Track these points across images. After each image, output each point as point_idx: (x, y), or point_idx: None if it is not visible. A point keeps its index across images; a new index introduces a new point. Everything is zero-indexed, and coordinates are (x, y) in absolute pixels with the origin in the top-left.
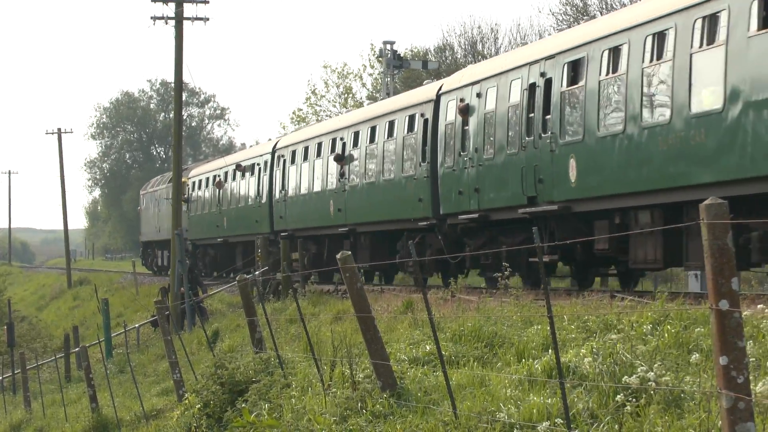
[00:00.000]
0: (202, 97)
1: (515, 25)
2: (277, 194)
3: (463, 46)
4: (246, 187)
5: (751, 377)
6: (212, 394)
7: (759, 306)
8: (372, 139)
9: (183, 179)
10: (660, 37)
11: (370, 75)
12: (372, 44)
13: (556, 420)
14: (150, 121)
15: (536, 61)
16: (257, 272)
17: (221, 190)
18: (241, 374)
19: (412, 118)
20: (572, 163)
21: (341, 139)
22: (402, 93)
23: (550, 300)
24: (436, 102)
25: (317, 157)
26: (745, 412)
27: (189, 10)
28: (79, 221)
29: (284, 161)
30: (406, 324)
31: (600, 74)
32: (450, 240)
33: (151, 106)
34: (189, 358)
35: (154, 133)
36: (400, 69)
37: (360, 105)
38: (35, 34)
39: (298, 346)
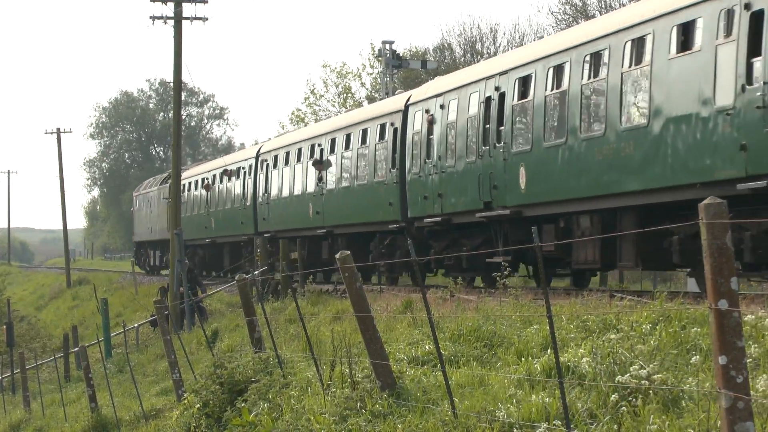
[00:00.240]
0: (201, 96)
1: (514, 25)
2: (260, 197)
3: (462, 46)
4: (232, 189)
5: (750, 377)
6: (211, 394)
7: (761, 313)
8: (347, 146)
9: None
10: (596, 57)
11: (370, 74)
12: (372, 44)
13: (555, 420)
14: (149, 121)
15: (492, 76)
16: (256, 272)
17: (209, 193)
18: (240, 374)
19: (383, 126)
20: (522, 171)
21: (319, 145)
22: (374, 102)
23: (550, 300)
24: (405, 112)
25: (297, 162)
26: (744, 411)
27: (188, 9)
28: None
29: (267, 165)
30: (405, 324)
31: (545, 89)
32: (418, 242)
33: (150, 105)
34: (188, 357)
35: (153, 133)
36: (399, 69)
37: (359, 105)
38: (34, 34)
39: (298, 345)
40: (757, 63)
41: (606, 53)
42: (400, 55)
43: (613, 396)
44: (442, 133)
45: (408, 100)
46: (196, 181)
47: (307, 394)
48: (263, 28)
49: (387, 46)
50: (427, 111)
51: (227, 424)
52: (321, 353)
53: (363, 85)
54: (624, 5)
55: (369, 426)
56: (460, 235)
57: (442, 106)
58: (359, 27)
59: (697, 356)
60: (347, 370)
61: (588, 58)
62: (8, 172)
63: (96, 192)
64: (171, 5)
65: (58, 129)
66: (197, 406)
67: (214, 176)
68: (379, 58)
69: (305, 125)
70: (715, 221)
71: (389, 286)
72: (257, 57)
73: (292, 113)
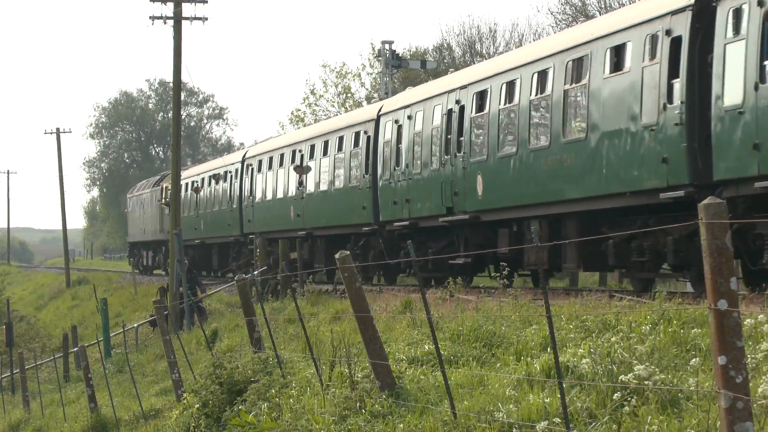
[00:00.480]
0: (201, 96)
1: (513, 25)
2: (246, 200)
3: (461, 46)
4: (220, 192)
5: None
6: (211, 394)
7: (760, 317)
8: (325, 152)
9: (165, 185)
10: (542, 75)
11: (369, 74)
12: (372, 43)
13: (554, 419)
14: (148, 121)
15: (453, 90)
16: (256, 272)
17: (198, 195)
18: (239, 374)
19: (357, 134)
20: (479, 179)
21: (300, 151)
22: (350, 112)
23: (549, 300)
24: (377, 122)
25: (280, 166)
26: (743, 411)
27: (188, 9)
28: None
29: (252, 170)
30: (404, 324)
31: (500, 103)
32: (389, 244)
33: (150, 105)
34: (188, 357)
35: (153, 133)
36: (399, 69)
37: (359, 105)
38: (34, 34)
39: (297, 345)
40: (676, 84)
41: (551, 72)
42: (400, 55)
43: (616, 395)
44: (409, 142)
45: (380, 110)
46: (186, 184)
47: (307, 394)
48: (263, 28)
49: (386, 46)
50: (396, 121)
51: (226, 424)
52: (320, 353)
53: (363, 85)
54: (623, 5)
55: (368, 426)
56: (426, 237)
57: (409, 117)
58: (359, 27)
59: (697, 358)
60: (346, 370)
61: (536, 75)
62: (8, 172)
63: (95, 192)
64: (171, 5)
65: (58, 129)
66: (196, 406)
67: (202, 179)
68: (379, 58)
69: (305, 125)
70: (715, 221)
71: (389, 286)
72: (257, 57)
73: (292, 113)
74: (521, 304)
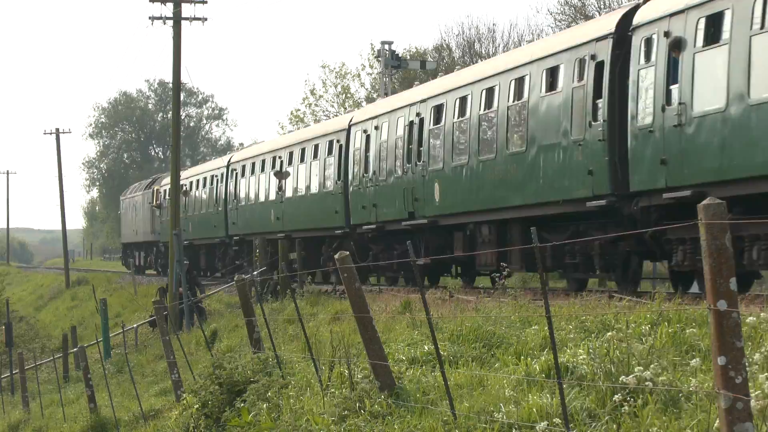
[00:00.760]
0: (200, 97)
1: (512, 26)
2: (231, 203)
3: (460, 47)
4: (207, 195)
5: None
6: (210, 395)
7: (763, 314)
8: (302, 159)
9: (156, 187)
10: (489, 91)
11: (369, 75)
12: (371, 44)
13: (554, 420)
14: (148, 121)
15: (414, 103)
16: (255, 272)
17: (186, 198)
18: (239, 374)
19: (331, 143)
20: (437, 186)
21: (280, 157)
22: (325, 121)
23: (549, 300)
24: (348, 131)
25: (262, 172)
26: (743, 412)
27: (187, 10)
28: (77, 221)
29: (237, 174)
30: (404, 324)
31: (453, 117)
32: (359, 246)
33: (149, 106)
34: (187, 358)
35: (152, 133)
36: (399, 69)
37: (358, 105)
38: (33, 34)
39: (297, 346)
40: (600, 103)
41: (497, 89)
42: (399, 55)
43: (616, 396)
44: (376, 151)
45: (351, 120)
46: None
47: (306, 395)
48: (262, 29)
49: (386, 47)
50: (364, 131)
51: (226, 424)
52: (320, 354)
53: (362, 85)
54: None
55: (368, 426)
56: (392, 240)
57: (377, 128)
58: (359, 27)
59: (697, 358)
60: (346, 371)
61: (484, 92)
62: (7, 173)
63: (95, 192)
64: (170, 6)
65: (57, 129)
66: (196, 406)
67: (190, 183)
68: (378, 59)
69: (305, 126)
70: (715, 222)
71: (388, 287)
72: (256, 57)
73: (291, 113)
74: (521, 304)
